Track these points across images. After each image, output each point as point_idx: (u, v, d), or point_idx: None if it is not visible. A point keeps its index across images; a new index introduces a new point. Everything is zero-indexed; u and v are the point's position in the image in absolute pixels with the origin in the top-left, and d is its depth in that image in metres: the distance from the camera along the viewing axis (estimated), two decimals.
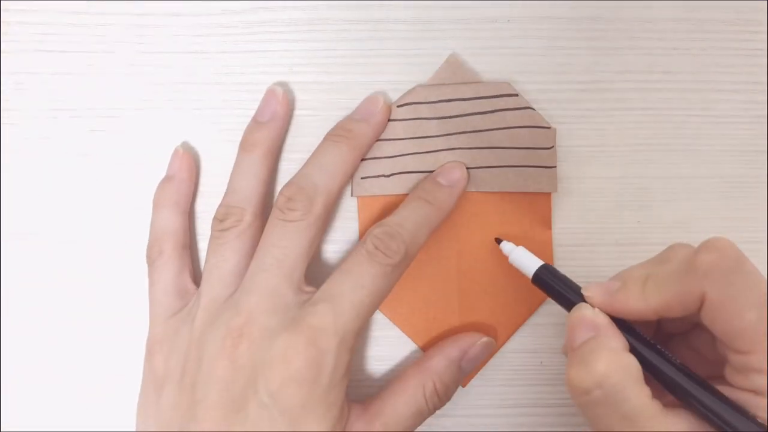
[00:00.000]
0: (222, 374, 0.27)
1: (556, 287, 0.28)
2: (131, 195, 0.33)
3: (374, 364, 0.33)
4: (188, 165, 0.32)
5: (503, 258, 0.30)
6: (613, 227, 0.33)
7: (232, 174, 0.31)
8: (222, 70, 0.33)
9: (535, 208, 0.32)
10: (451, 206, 0.31)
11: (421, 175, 0.32)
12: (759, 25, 0.33)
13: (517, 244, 0.30)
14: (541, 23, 0.32)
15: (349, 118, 0.32)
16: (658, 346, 0.25)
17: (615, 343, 0.24)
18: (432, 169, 0.32)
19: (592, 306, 0.26)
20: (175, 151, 0.32)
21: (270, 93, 0.32)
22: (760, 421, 0.22)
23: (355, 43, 0.32)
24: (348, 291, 0.28)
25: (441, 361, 0.31)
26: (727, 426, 0.22)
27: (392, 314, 0.33)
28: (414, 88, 0.32)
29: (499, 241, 0.31)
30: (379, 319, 0.33)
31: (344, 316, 0.27)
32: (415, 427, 0.30)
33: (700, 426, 0.23)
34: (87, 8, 0.32)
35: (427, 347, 0.33)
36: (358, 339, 0.28)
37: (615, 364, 0.24)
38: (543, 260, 0.29)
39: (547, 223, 0.33)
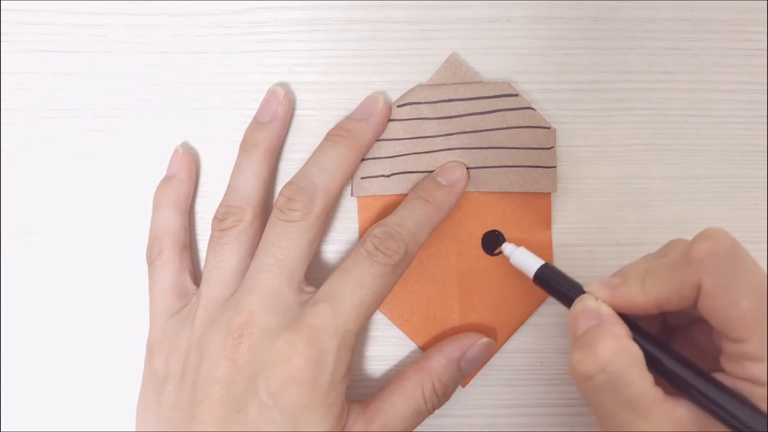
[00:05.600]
0: (222, 374, 0.27)
1: (557, 286, 0.28)
2: (131, 195, 0.33)
3: (374, 364, 0.33)
4: (188, 165, 0.32)
5: (503, 258, 0.30)
6: (613, 227, 0.33)
7: (232, 174, 0.31)
8: (222, 70, 0.33)
9: (534, 208, 0.32)
10: (451, 206, 0.31)
11: (421, 175, 0.32)
12: (759, 25, 0.33)
13: (518, 245, 0.30)
14: (541, 23, 0.32)
15: (349, 118, 0.32)
16: (659, 340, 0.25)
17: (618, 329, 0.25)
18: (432, 169, 0.32)
19: (595, 299, 0.26)
20: (175, 151, 0.32)
21: (271, 93, 0.32)
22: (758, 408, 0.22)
23: (355, 43, 0.32)
24: (348, 291, 0.28)
25: (440, 361, 0.31)
26: (726, 414, 0.23)
27: (392, 314, 0.33)
28: (414, 88, 0.32)
29: (488, 240, 0.31)
30: (379, 319, 0.33)
31: (344, 316, 0.27)
32: (414, 427, 0.30)
33: (700, 414, 0.23)
34: (87, 8, 0.32)
35: (426, 347, 0.33)
36: (358, 339, 0.28)
37: (619, 349, 0.24)
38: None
39: (546, 223, 0.33)
